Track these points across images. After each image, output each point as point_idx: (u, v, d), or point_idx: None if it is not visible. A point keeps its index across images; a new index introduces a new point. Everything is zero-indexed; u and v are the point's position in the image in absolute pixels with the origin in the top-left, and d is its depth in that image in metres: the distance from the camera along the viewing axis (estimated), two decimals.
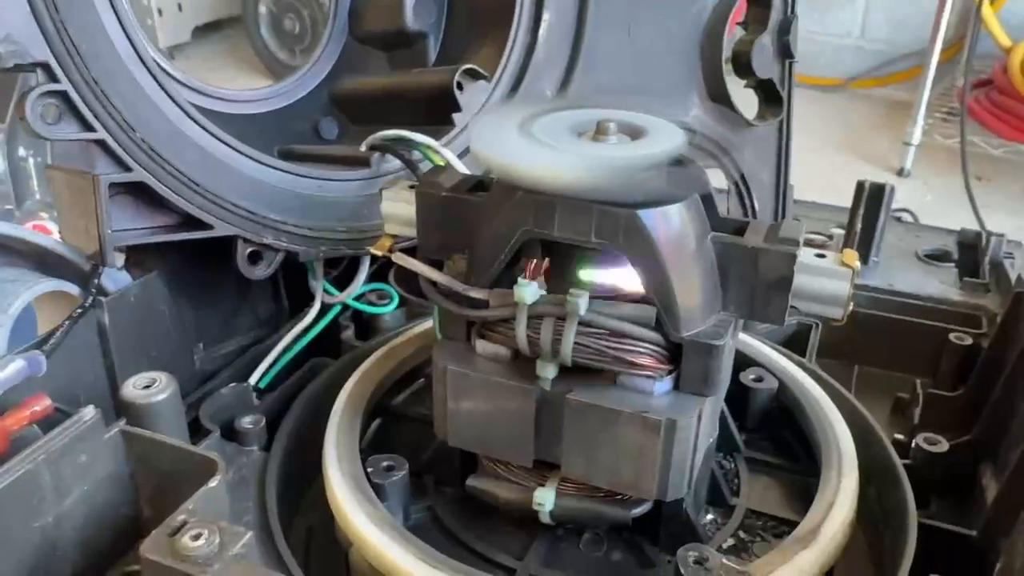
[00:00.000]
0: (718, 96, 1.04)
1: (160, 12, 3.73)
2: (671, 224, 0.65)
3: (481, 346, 0.72)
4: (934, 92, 3.14)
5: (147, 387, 0.72)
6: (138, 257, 0.85)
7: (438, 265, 0.76)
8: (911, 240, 1.34)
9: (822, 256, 0.67)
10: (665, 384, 0.68)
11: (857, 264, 0.66)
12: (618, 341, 0.66)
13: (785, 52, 1.08)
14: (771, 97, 1.09)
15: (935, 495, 0.87)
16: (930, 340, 1.14)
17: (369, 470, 0.76)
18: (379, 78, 1.08)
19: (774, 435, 0.89)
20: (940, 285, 1.23)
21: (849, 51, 3.92)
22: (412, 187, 0.79)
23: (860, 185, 1.25)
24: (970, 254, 1.31)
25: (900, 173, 3.20)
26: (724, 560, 0.66)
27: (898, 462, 0.80)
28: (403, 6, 1.04)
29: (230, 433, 0.83)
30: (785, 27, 1.07)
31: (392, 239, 0.80)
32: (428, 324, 0.96)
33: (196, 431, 0.82)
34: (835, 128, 3.54)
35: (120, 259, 0.80)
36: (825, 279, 0.66)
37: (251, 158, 0.84)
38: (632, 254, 0.65)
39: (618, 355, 0.67)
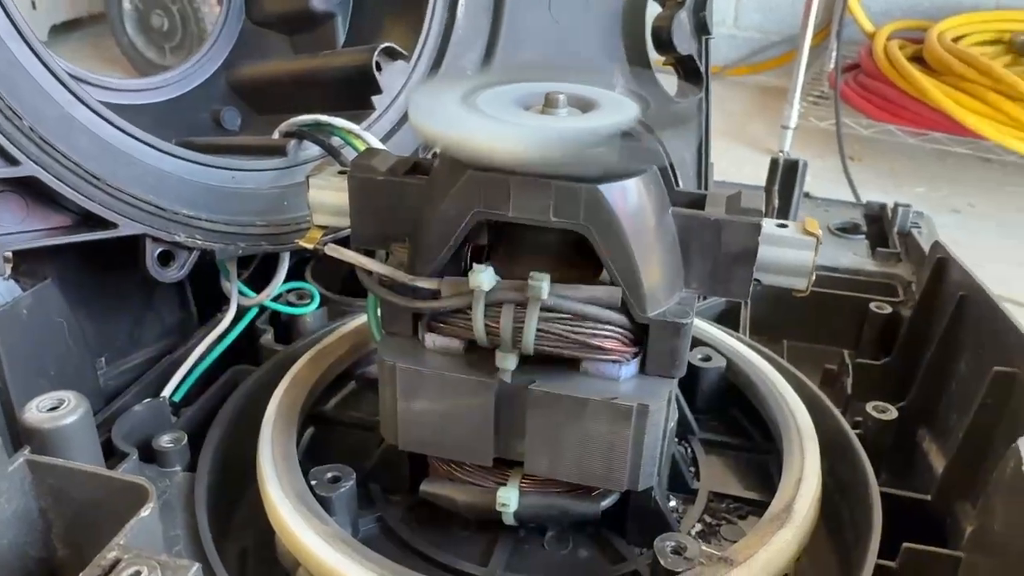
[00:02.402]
0: (642, 73, 1.02)
1: None
2: (633, 199, 0.61)
3: (431, 340, 0.67)
4: (805, 77, 3.25)
5: (53, 409, 0.63)
6: (28, 264, 0.75)
7: (374, 256, 0.71)
8: (821, 215, 1.36)
9: (784, 226, 0.66)
10: (631, 368, 0.65)
11: (820, 232, 0.65)
12: (583, 325, 0.63)
13: (702, 28, 1.07)
14: (690, 73, 1.08)
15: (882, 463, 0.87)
16: (851, 311, 1.15)
17: (313, 483, 0.69)
18: (284, 62, 1.01)
19: (724, 414, 0.87)
20: (854, 257, 1.25)
21: (723, 40, 4.02)
22: (342, 172, 0.72)
23: (775, 162, 1.26)
24: (878, 225, 1.34)
25: (779, 155, 3.29)
26: (703, 547, 0.63)
27: (851, 433, 0.80)
28: None
29: (148, 454, 0.75)
30: (701, 3, 1.06)
31: (321, 230, 0.74)
32: (355, 322, 0.90)
33: (108, 455, 0.73)
34: (714, 115, 3.63)
35: (7, 267, 0.70)
36: (789, 249, 0.64)
37: (154, 147, 0.76)
38: (594, 232, 0.61)
39: (583, 340, 0.63)
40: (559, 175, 0.60)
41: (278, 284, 0.90)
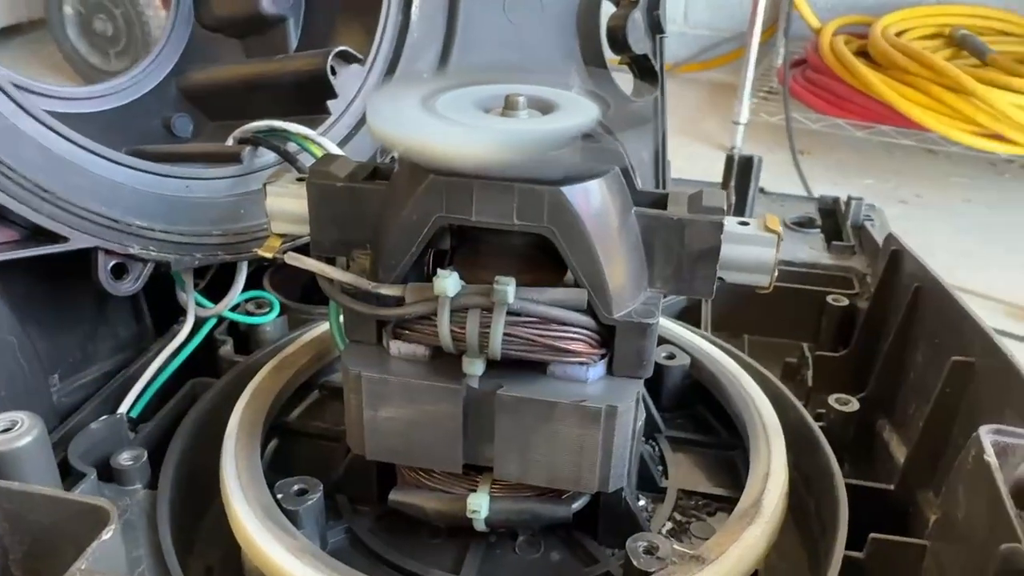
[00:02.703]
0: (598, 72, 1.02)
1: None
2: (596, 200, 0.61)
3: (396, 347, 0.66)
4: (754, 73, 3.29)
5: (7, 431, 0.61)
6: None
7: (335, 264, 0.70)
8: (777, 209, 1.38)
9: (745, 224, 0.66)
10: (598, 370, 0.65)
11: (781, 229, 0.65)
12: (549, 328, 0.62)
13: (656, 27, 1.08)
14: (646, 73, 1.09)
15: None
16: (809, 304, 1.17)
17: (279, 496, 0.68)
18: (236, 67, 0.99)
19: (689, 412, 0.88)
20: (811, 251, 1.27)
21: (674, 37, 4.03)
22: (300, 179, 0.71)
23: (730, 159, 1.27)
24: (832, 219, 1.36)
25: (731, 151, 3.32)
26: (675, 546, 0.63)
27: (815, 426, 0.81)
28: None
29: (106, 473, 0.73)
30: (655, 2, 1.06)
31: (280, 239, 0.72)
32: (317, 330, 0.89)
33: (65, 474, 0.71)
34: (668, 112, 3.65)
35: None
36: (751, 247, 0.65)
37: (104, 157, 0.74)
38: (558, 235, 0.61)
39: (550, 343, 0.62)
40: (521, 178, 0.60)
41: (236, 294, 0.88)
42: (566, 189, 0.60)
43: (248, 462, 0.71)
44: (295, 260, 0.68)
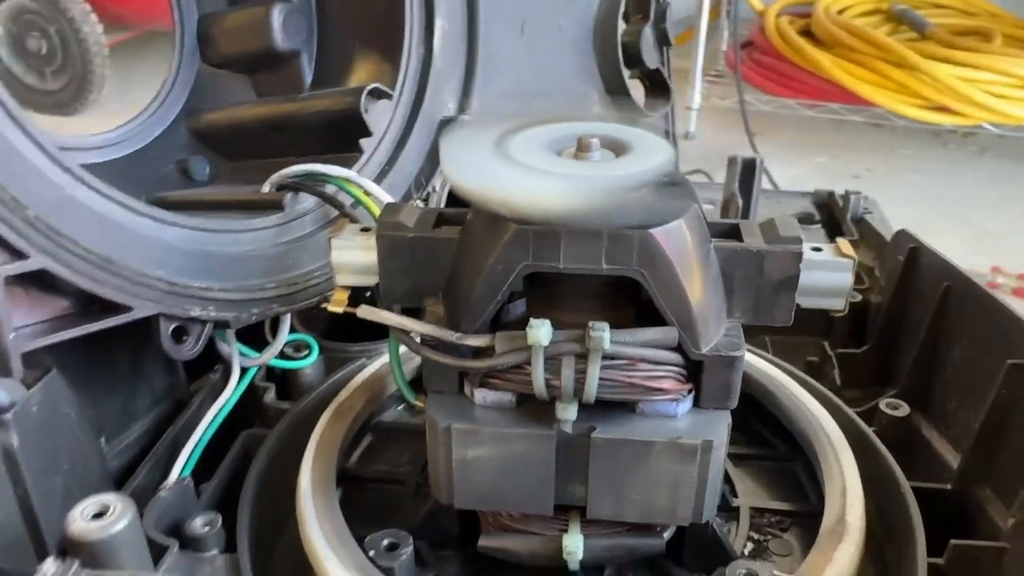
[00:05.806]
0: (617, 90, 1.02)
1: None
2: (681, 239, 0.62)
3: (481, 396, 0.66)
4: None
5: (99, 515, 0.59)
6: (27, 354, 0.70)
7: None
8: (774, 207, 1.40)
9: (818, 249, 0.67)
10: (687, 404, 0.65)
11: (854, 253, 0.67)
12: (640, 369, 0.63)
13: (663, 39, 1.08)
14: (657, 86, 1.09)
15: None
16: None
17: (371, 553, 0.67)
18: (255, 107, 0.96)
19: (738, 425, 0.89)
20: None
21: None
22: (365, 230, 0.70)
23: (732, 160, 1.28)
24: (826, 212, 1.38)
25: (686, 136, 3.37)
26: (775, 572, 0.65)
27: (870, 432, 0.83)
28: (269, 23, 0.93)
29: (180, 540, 0.71)
30: (661, 15, 1.07)
31: (346, 291, 0.71)
32: (364, 372, 0.87)
33: None
34: None
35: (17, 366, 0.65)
36: (827, 272, 0.66)
37: (153, 218, 0.71)
38: (648, 277, 0.61)
39: (642, 383, 0.63)
40: (606, 224, 0.60)
41: (282, 342, 0.86)
42: (655, 232, 0.60)
43: (332, 521, 0.70)
44: (369, 314, 0.67)
